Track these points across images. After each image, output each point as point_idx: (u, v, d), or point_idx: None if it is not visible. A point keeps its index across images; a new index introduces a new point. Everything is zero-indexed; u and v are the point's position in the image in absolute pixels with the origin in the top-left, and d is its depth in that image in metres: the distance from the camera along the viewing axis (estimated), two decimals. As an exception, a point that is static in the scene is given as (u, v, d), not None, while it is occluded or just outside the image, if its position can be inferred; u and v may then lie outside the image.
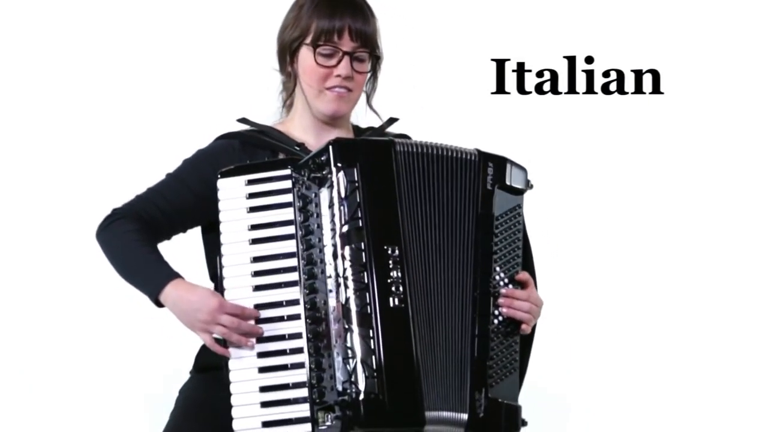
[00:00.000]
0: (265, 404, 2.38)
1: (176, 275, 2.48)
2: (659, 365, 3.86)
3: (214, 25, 3.72)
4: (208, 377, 2.54)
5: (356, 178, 2.43)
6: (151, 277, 2.49)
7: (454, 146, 2.55)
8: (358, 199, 2.42)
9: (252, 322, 2.41)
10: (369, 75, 2.67)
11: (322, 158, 2.45)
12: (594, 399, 3.81)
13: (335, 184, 2.43)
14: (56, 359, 3.63)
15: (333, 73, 2.60)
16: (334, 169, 2.43)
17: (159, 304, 2.49)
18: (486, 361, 2.47)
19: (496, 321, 2.51)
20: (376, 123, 2.77)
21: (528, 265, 2.63)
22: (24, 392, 3.62)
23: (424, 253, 2.46)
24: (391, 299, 2.39)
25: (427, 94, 3.82)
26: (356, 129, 2.77)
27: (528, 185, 2.62)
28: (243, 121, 2.70)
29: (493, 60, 3.89)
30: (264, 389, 2.39)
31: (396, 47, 3.73)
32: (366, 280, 2.38)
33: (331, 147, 2.44)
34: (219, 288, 2.46)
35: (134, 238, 2.53)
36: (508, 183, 2.57)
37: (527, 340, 2.60)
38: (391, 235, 2.42)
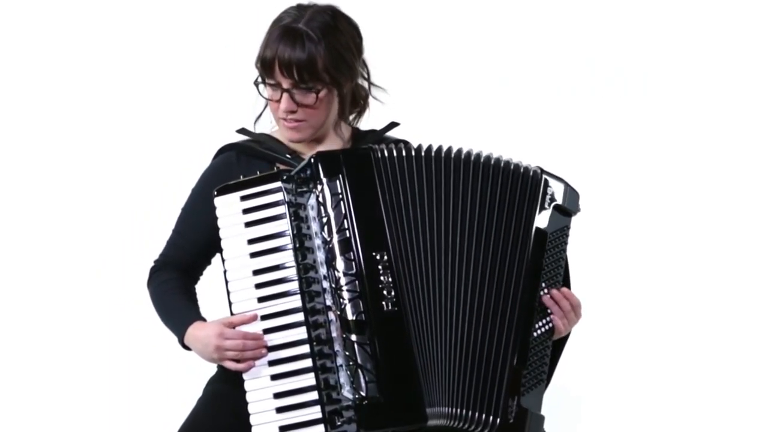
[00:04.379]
0: (280, 410, 2.51)
1: (196, 319, 2.63)
2: (669, 361, 3.89)
3: (217, 28, 3.77)
4: (233, 373, 2.63)
5: (339, 190, 2.52)
6: (177, 325, 2.66)
7: (512, 160, 2.64)
8: (343, 210, 2.52)
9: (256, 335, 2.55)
10: (333, 98, 2.70)
11: (307, 172, 2.54)
12: (605, 393, 3.86)
13: (321, 197, 2.52)
14: (81, 356, 3.78)
15: (279, 106, 2.67)
16: (318, 183, 2.52)
17: (188, 348, 2.67)
18: (523, 370, 2.58)
19: (535, 333, 2.62)
20: (378, 126, 2.83)
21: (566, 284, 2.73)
22: (49, 386, 3.77)
23: (431, 254, 2.55)
24: (384, 303, 2.50)
25: (428, 94, 3.83)
26: (356, 132, 2.83)
27: (577, 209, 2.71)
28: (241, 131, 2.79)
29: (496, 61, 3.88)
30: (278, 395, 2.52)
31: (397, 50, 3.76)
32: (358, 288, 2.49)
33: (313, 161, 2.53)
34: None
35: (165, 289, 2.73)
36: (562, 204, 2.67)
37: (555, 355, 2.70)
38: (377, 241, 2.52)
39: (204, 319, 2.64)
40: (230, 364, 2.55)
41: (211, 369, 2.82)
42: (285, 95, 2.65)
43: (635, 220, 3.94)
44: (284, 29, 2.63)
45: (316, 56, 2.61)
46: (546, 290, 2.64)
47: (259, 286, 2.57)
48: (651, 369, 3.88)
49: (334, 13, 2.68)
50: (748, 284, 3.92)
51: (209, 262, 2.81)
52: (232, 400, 2.63)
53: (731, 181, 3.95)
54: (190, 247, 2.76)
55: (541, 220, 2.65)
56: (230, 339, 2.53)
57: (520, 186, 2.64)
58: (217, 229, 2.59)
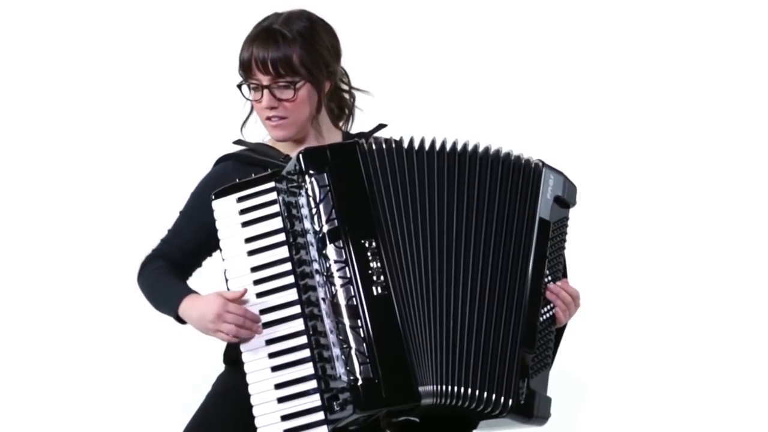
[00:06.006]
0: (281, 399, 2.59)
1: (190, 291, 2.73)
2: (671, 349, 3.89)
3: (219, 35, 3.83)
4: (239, 368, 2.69)
5: (327, 182, 2.62)
6: (169, 299, 2.75)
7: (513, 152, 2.75)
8: (331, 201, 2.61)
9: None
10: (312, 94, 2.80)
11: (296, 168, 2.65)
12: (611, 380, 3.87)
13: (309, 190, 2.62)
14: (89, 356, 3.84)
15: (261, 106, 2.79)
16: (306, 177, 2.63)
17: (182, 321, 2.75)
18: (531, 353, 2.66)
19: (541, 318, 2.70)
20: (367, 128, 2.92)
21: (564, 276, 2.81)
22: (59, 386, 3.84)
23: (422, 242, 2.63)
24: (373, 288, 2.58)
25: (427, 93, 3.88)
26: (346, 135, 2.94)
27: (575, 201, 2.81)
28: (237, 142, 2.91)
29: (491, 60, 3.92)
30: (278, 386, 2.59)
31: (390, 50, 3.81)
32: (348, 274, 2.57)
33: (300, 157, 2.64)
34: None
35: (158, 273, 2.81)
36: (562, 196, 2.77)
37: (556, 340, 2.76)
38: (366, 229, 2.61)
39: (197, 293, 2.72)
40: (221, 336, 2.63)
41: (219, 367, 2.89)
42: (266, 92, 2.76)
43: (635, 209, 3.95)
44: (259, 29, 2.78)
45: (292, 51, 2.74)
46: (549, 278, 2.71)
47: (257, 282, 2.66)
48: (654, 356, 3.87)
49: (309, 18, 2.81)
50: (743, 272, 3.92)
51: (200, 265, 2.90)
52: (239, 393, 2.68)
53: (728, 178, 3.96)
54: (184, 245, 2.86)
55: (543, 210, 2.73)
56: (232, 312, 2.61)
57: (522, 176, 2.73)
58: (212, 232, 2.70)
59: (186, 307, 2.70)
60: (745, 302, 3.91)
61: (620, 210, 3.94)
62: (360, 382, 2.52)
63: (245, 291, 2.64)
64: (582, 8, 3.99)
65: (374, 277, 2.58)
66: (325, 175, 2.62)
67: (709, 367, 3.88)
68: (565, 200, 2.78)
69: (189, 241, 2.86)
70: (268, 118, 2.81)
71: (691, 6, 3.98)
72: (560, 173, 2.78)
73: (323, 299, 2.59)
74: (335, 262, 2.58)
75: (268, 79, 2.76)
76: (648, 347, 3.88)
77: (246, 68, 2.78)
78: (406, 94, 3.84)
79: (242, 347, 2.65)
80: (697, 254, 3.93)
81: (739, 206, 3.95)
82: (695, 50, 3.97)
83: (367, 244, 2.60)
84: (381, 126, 2.92)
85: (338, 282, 2.57)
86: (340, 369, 2.54)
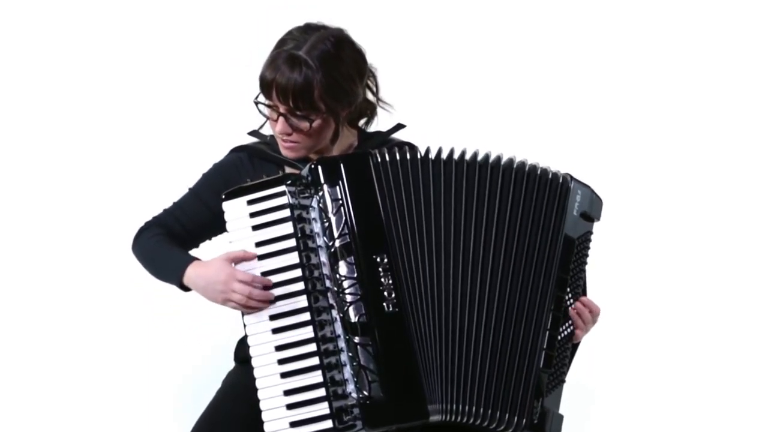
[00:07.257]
0: (290, 406, 2.60)
1: (195, 258, 2.71)
2: (682, 360, 3.89)
3: (229, 31, 3.81)
4: (248, 367, 2.70)
5: (339, 196, 2.59)
6: (173, 266, 2.72)
7: (540, 164, 2.68)
8: (343, 216, 2.59)
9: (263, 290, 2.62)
10: (328, 124, 2.73)
11: (309, 178, 2.61)
12: (618, 387, 3.88)
13: (322, 202, 2.60)
14: (98, 355, 3.86)
15: (275, 127, 2.73)
16: (319, 189, 2.60)
17: (186, 289, 2.72)
18: (547, 372, 2.65)
19: (559, 336, 2.68)
20: (385, 127, 2.87)
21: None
22: (64, 385, 3.85)
23: (436, 256, 2.61)
24: (385, 305, 2.57)
25: (427, 94, 3.82)
26: (363, 134, 2.88)
27: (599, 215, 2.75)
28: (253, 134, 2.86)
29: (492, 61, 3.86)
30: (288, 393, 2.61)
31: (407, 52, 3.75)
32: (360, 291, 2.57)
33: (314, 168, 2.61)
34: None
35: (157, 240, 2.79)
36: (588, 211, 2.71)
37: (570, 355, 2.75)
38: (378, 244, 2.59)
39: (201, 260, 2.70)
40: (231, 305, 2.62)
41: (229, 364, 2.91)
42: (281, 118, 2.70)
43: (647, 219, 3.94)
44: (284, 55, 2.67)
45: (313, 85, 2.65)
46: (570, 295, 2.68)
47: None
48: (662, 365, 3.90)
49: (337, 40, 2.70)
50: (753, 282, 3.93)
51: (197, 245, 2.87)
52: (248, 392, 2.69)
53: (732, 181, 3.95)
54: (186, 221, 2.83)
55: (569, 226, 2.69)
56: (241, 280, 2.59)
57: (549, 191, 2.67)
58: (216, 216, 2.69)
59: (192, 273, 2.68)
60: (755, 312, 3.91)
61: (631, 219, 3.91)
62: (369, 401, 2.55)
63: (253, 255, 2.61)
64: (611, 21, 3.94)
65: (385, 294, 2.58)
66: (337, 188, 2.59)
67: (716, 377, 3.89)
68: (590, 215, 2.73)
69: (191, 218, 2.84)
70: (281, 139, 2.75)
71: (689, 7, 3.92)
72: (587, 187, 2.73)
73: (332, 306, 2.58)
74: (346, 278, 2.58)
75: (284, 108, 2.69)
76: (655, 356, 3.90)
77: (265, 90, 2.70)
78: (427, 99, 3.80)
79: (251, 352, 2.65)
80: (707, 263, 3.92)
81: (750, 219, 3.95)
82: (697, 53, 3.94)
83: (378, 260, 2.59)
84: (399, 126, 2.86)
85: (349, 298, 2.58)
86: (349, 385, 2.56)
